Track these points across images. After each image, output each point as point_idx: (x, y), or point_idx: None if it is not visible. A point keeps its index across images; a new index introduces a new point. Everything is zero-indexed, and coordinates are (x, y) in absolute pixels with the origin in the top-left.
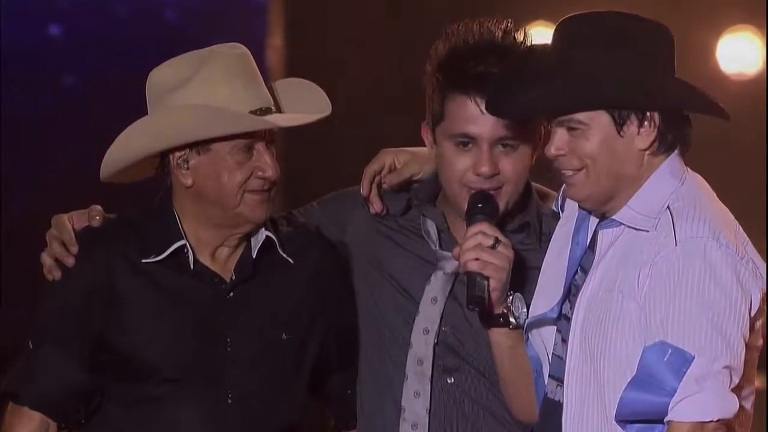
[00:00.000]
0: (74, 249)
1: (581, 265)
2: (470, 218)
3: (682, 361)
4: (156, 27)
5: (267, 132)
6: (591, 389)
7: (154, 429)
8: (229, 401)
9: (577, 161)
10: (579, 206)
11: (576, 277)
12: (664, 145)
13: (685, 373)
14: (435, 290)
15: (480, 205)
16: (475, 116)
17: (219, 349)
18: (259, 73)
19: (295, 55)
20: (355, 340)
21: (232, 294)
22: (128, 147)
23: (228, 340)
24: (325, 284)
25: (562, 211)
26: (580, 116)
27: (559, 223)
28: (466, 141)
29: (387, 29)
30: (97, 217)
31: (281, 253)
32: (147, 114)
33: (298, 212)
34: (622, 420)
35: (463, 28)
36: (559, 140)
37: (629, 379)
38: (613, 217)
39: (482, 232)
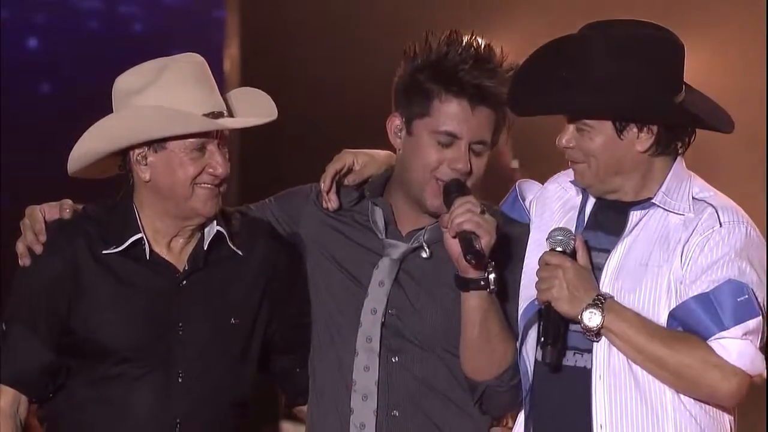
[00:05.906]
0: (43, 238)
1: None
2: (450, 195)
3: (750, 309)
4: (125, 39)
5: (219, 134)
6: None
7: (112, 403)
8: (180, 380)
9: (581, 155)
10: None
11: None
12: (661, 147)
13: (745, 320)
14: (382, 275)
15: (456, 189)
16: (463, 119)
17: (171, 333)
18: (213, 80)
19: (249, 64)
20: (302, 325)
21: (185, 282)
22: (93, 143)
23: (180, 324)
24: (271, 274)
25: (525, 202)
26: (588, 120)
27: (536, 214)
28: (449, 139)
29: (338, 40)
30: (67, 210)
31: (231, 245)
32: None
33: (254, 206)
34: (669, 325)
35: (444, 35)
36: (568, 136)
37: None
38: (653, 200)
39: (471, 202)
